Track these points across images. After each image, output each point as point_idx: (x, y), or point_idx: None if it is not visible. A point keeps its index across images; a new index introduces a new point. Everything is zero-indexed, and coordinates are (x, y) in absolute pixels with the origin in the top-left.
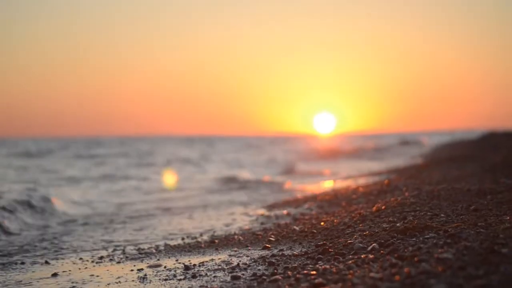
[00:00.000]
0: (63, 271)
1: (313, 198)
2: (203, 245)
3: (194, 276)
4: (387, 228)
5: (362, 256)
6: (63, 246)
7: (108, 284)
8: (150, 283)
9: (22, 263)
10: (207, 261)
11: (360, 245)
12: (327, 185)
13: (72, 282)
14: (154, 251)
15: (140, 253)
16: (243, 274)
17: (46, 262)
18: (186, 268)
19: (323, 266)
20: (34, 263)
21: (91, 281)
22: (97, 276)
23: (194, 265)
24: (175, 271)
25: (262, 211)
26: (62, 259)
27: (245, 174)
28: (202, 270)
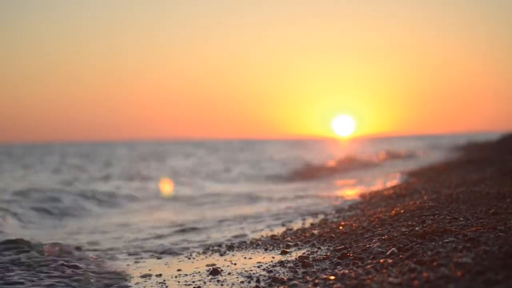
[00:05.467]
0: None
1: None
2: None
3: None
4: (406, 232)
5: (381, 260)
6: None
7: None
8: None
9: None
10: (227, 265)
11: (379, 249)
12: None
13: None
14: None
15: None
16: (262, 278)
17: None
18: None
19: (341, 271)
20: None
21: None
22: None
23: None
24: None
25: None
26: None
27: None
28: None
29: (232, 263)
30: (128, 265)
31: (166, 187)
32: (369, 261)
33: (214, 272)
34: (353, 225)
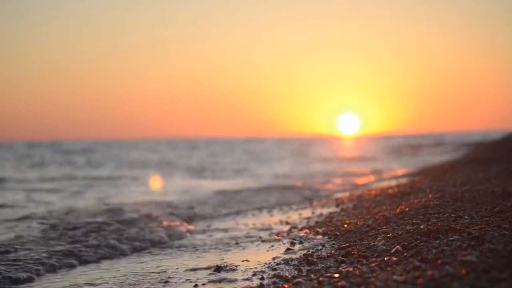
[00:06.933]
0: None
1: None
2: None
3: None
4: (411, 230)
5: (385, 258)
6: None
7: None
8: None
9: None
10: (232, 262)
11: (384, 247)
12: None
13: None
14: None
15: None
16: (266, 276)
17: None
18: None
19: (346, 269)
20: None
21: None
22: None
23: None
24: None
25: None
26: None
27: None
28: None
29: (235, 260)
30: None
31: None
32: (374, 259)
33: (218, 269)
34: (358, 223)
